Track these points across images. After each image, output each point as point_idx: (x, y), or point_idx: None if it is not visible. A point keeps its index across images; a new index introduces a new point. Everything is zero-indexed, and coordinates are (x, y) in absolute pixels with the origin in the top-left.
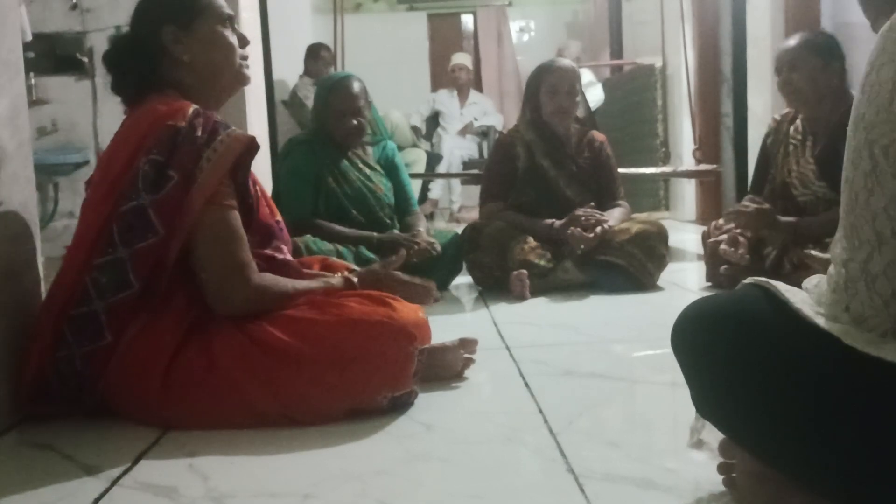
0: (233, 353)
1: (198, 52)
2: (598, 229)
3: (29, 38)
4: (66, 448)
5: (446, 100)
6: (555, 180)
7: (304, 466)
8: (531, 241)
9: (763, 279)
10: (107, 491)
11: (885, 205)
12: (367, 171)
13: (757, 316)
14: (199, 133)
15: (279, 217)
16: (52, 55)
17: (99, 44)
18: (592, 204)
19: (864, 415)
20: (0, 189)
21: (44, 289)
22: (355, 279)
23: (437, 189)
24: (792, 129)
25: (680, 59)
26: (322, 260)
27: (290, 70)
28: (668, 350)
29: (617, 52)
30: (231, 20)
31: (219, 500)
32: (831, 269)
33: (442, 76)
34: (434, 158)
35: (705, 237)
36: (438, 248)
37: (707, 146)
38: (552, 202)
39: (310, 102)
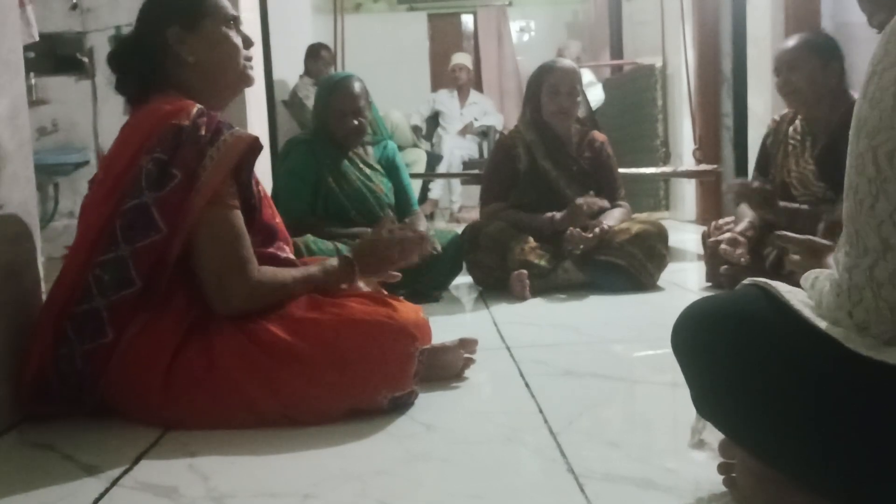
0: (233, 352)
1: (202, 52)
2: (598, 229)
3: (36, 37)
4: (66, 448)
5: (446, 100)
6: (556, 181)
7: (304, 466)
8: (531, 242)
9: (762, 279)
10: (107, 491)
11: (891, 212)
12: (368, 170)
13: (757, 316)
14: (203, 132)
15: (279, 219)
16: (52, 55)
17: (99, 44)
18: (592, 192)
19: (865, 415)
20: (0, 189)
21: (44, 289)
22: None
23: (437, 189)
24: (791, 129)
25: (680, 59)
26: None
27: (290, 70)
28: (668, 350)
29: (617, 52)
30: (236, 21)
31: (219, 500)
32: (834, 273)
33: (442, 76)
34: (434, 158)
35: (705, 237)
36: (439, 247)
37: (707, 146)
38: (553, 203)
39: (310, 102)
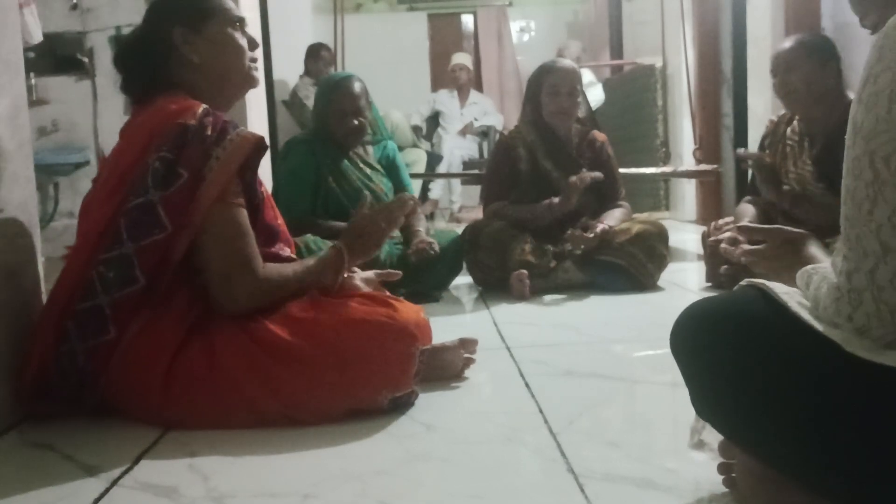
0: (234, 351)
1: (207, 53)
2: (598, 230)
3: (40, 38)
4: (66, 448)
5: (446, 100)
6: (557, 181)
7: (304, 466)
8: (531, 242)
9: (760, 280)
10: (107, 491)
11: (889, 215)
12: (368, 170)
13: (755, 318)
14: (209, 132)
15: (280, 220)
16: (52, 55)
17: (99, 44)
18: (584, 170)
19: (864, 416)
20: (0, 189)
21: (44, 289)
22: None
23: (437, 189)
24: (789, 130)
25: (680, 59)
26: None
27: (290, 70)
28: (668, 350)
29: (617, 52)
30: (241, 23)
31: (219, 500)
32: (832, 277)
33: (442, 76)
34: (434, 158)
35: (705, 237)
36: (437, 248)
37: (707, 146)
38: None
39: (310, 102)
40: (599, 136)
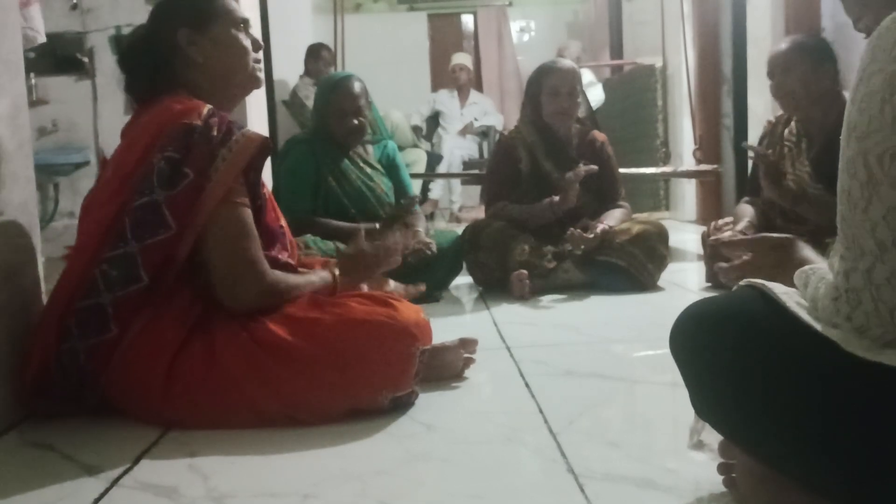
0: (235, 351)
1: (212, 54)
2: (598, 230)
3: (43, 39)
4: (66, 448)
5: (446, 100)
6: (557, 182)
7: (304, 466)
8: (531, 242)
9: (759, 280)
10: (107, 491)
11: (884, 214)
12: (368, 170)
13: (754, 318)
14: (215, 132)
15: (283, 222)
16: (52, 55)
17: (99, 44)
18: (583, 163)
19: (864, 415)
20: (0, 189)
21: (44, 289)
22: (336, 270)
23: (437, 189)
24: (787, 131)
25: (680, 59)
26: (324, 262)
27: (290, 70)
28: (668, 350)
29: (617, 52)
30: (245, 24)
31: (219, 500)
32: (827, 274)
33: (442, 76)
34: (434, 158)
35: (705, 237)
36: (434, 248)
37: (707, 146)
38: None
39: (310, 102)
40: (599, 136)
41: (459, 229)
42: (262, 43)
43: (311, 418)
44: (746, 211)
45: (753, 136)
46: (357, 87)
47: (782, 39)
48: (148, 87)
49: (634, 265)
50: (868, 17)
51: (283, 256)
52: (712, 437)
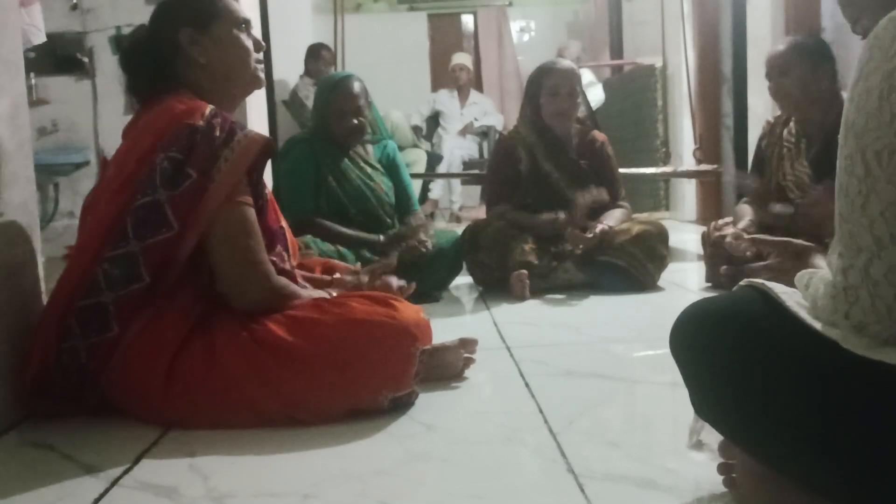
0: (235, 351)
1: (214, 54)
2: (598, 230)
3: (43, 38)
4: (66, 448)
5: (446, 100)
6: (557, 183)
7: (304, 466)
8: (531, 242)
9: (759, 280)
10: (107, 491)
11: (882, 210)
12: (368, 169)
13: (754, 318)
14: (218, 133)
15: (283, 222)
16: (52, 55)
17: (99, 44)
18: (592, 186)
19: (863, 413)
20: (0, 189)
21: (44, 289)
22: (334, 293)
23: (437, 189)
24: (786, 132)
25: (680, 59)
26: (324, 262)
27: (290, 70)
28: (668, 350)
29: (617, 52)
30: (247, 24)
31: (219, 500)
32: (828, 275)
33: (442, 76)
34: (434, 158)
35: (705, 237)
36: (430, 245)
37: (707, 146)
38: (555, 204)
39: (310, 102)
40: (599, 136)
41: (459, 229)
42: (263, 43)
43: (311, 418)
44: (746, 211)
45: (753, 136)
46: (357, 87)
47: (781, 40)
48: (150, 87)
49: (634, 265)
50: (865, 20)
51: (284, 260)
52: (712, 437)
